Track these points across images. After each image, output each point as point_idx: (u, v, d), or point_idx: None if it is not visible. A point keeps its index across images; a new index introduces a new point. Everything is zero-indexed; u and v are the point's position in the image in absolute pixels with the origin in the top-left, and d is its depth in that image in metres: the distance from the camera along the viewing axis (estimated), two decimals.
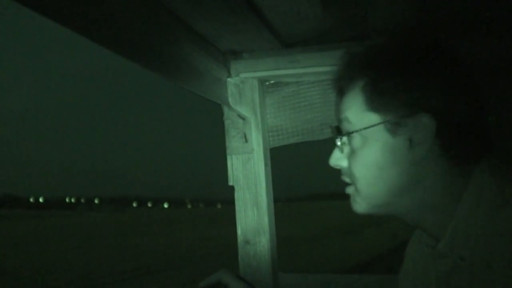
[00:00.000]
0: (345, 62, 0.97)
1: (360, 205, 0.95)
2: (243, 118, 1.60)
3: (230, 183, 1.62)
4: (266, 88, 1.66)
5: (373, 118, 0.90)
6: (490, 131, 0.93)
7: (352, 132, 0.92)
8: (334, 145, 1.00)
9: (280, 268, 1.64)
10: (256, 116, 1.60)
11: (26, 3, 0.75)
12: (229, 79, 1.59)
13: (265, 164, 1.61)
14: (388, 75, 0.89)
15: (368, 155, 0.91)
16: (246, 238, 1.60)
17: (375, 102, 0.90)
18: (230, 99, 1.59)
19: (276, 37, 1.46)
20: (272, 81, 1.64)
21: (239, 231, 1.61)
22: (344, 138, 0.95)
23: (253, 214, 1.59)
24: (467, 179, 0.89)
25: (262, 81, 1.63)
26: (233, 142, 1.62)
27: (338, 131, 0.98)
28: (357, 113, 0.92)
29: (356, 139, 0.92)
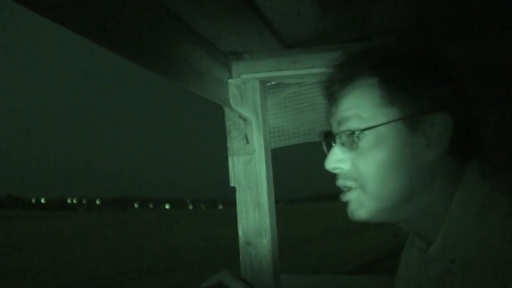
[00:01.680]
0: (347, 61, 0.95)
1: (367, 210, 0.90)
2: (245, 119, 1.60)
3: (232, 184, 1.62)
4: (267, 89, 1.65)
5: (392, 113, 0.87)
6: (481, 132, 0.94)
7: (367, 129, 0.87)
8: (327, 148, 0.97)
9: (281, 269, 1.64)
10: (258, 117, 1.60)
11: (27, 4, 0.75)
12: (230, 80, 1.59)
13: (267, 165, 1.61)
14: (409, 71, 0.88)
15: (382, 153, 0.87)
16: (247, 239, 1.60)
17: (395, 96, 0.87)
18: (231, 100, 1.59)
19: (277, 38, 1.46)
20: (273, 82, 1.64)
21: (240, 232, 1.60)
22: (345, 138, 0.90)
23: (255, 215, 1.59)
24: (459, 181, 0.88)
25: (263, 82, 1.63)
26: (234, 143, 1.62)
27: (326, 134, 0.97)
28: (370, 109, 0.88)
29: (369, 137, 0.87)
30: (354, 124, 0.89)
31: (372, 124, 0.87)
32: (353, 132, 0.89)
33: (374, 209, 0.90)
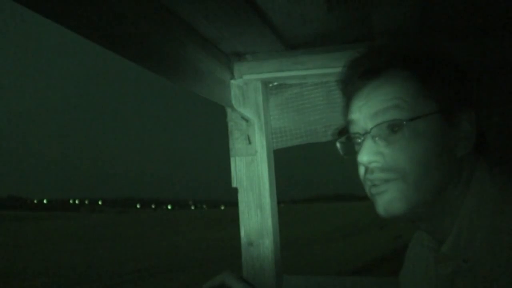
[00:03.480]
0: (375, 54, 0.94)
1: (409, 202, 0.88)
2: (247, 120, 1.60)
3: (234, 185, 1.62)
4: (269, 90, 1.65)
5: (430, 105, 0.86)
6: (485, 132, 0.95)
7: (413, 119, 0.86)
8: (346, 145, 0.95)
9: (283, 270, 1.64)
10: (260, 118, 1.60)
11: (30, 5, 0.75)
12: (232, 81, 1.59)
13: (269, 166, 1.61)
14: (444, 67, 0.90)
15: (422, 144, 0.86)
16: (249, 240, 1.60)
17: (432, 89, 0.87)
18: (233, 101, 1.59)
19: (280, 39, 1.45)
20: (275, 83, 1.64)
21: (242, 233, 1.60)
22: (383, 130, 0.88)
23: (257, 216, 1.59)
24: (471, 179, 0.89)
25: (265, 83, 1.63)
26: (236, 144, 1.62)
27: (343, 131, 0.97)
28: (409, 100, 0.87)
29: (410, 128, 0.86)
30: (393, 115, 0.87)
31: (413, 115, 0.86)
32: (395, 123, 0.87)
33: (414, 201, 0.87)
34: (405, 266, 1.13)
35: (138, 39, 1.04)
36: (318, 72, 1.51)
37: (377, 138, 0.89)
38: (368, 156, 0.89)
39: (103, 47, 0.94)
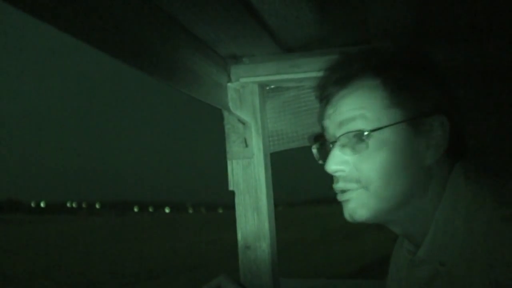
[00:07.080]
0: (346, 62, 0.95)
1: (369, 209, 0.89)
2: (244, 123, 1.60)
3: (231, 188, 1.62)
4: (266, 93, 1.65)
5: (396, 114, 0.87)
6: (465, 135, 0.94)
7: (376, 130, 0.86)
8: (320, 151, 0.97)
9: (280, 273, 1.63)
10: (257, 120, 1.60)
11: (27, 9, 0.75)
12: (229, 84, 1.59)
13: (266, 169, 1.61)
14: (410, 73, 0.89)
15: (386, 154, 0.86)
16: (246, 243, 1.59)
17: (398, 97, 0.87)
18: (230, 104, 1.59)
19: (276, 42, 1.46)
20: (272, 86, 1.64)
21: (239, 236, 1.60)
22: (348, 139, 0.89)
23: (254, 219, 1.59)
24: (444, 185, 0.89)
25: (262, 86, 1.63)
26: (233, 146, 1.62)
27: (318, 137, 0.98)
28: (374, 110, 0.88)
29: (374, 138, 0.87)
30: (359, 125, 0.88)
31: (378, 125, 0.86)
32: (359, 133, 0.88)
33: (376, 209, 0.89)
34: (390, 269, 1.14)
35: (134, 42, 1.04)
36: (315, 75, 1.50)
37: (344, 147, 0.90)
38: (334, 165, 0.91)
39: (99, 50, 0.94)
